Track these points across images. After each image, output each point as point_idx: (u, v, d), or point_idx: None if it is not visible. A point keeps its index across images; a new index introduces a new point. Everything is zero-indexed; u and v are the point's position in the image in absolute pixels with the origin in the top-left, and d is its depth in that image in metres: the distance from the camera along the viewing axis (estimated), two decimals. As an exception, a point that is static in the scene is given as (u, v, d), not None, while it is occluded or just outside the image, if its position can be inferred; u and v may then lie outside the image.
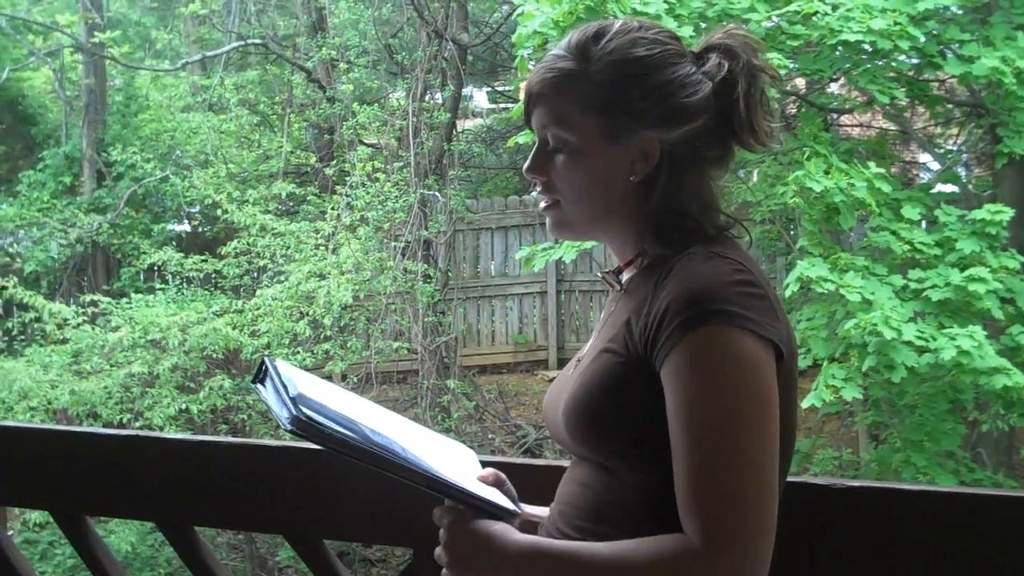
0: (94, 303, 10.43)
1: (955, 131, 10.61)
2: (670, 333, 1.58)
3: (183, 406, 9.57)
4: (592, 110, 1.73)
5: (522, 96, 1.84)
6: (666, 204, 1.74)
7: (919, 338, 6.77)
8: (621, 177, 1.75)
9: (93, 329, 10.07)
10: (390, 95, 13.37)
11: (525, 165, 1.82)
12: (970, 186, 9.04)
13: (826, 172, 7.06)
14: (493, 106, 17.03)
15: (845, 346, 7.11)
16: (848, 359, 7.20)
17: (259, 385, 1.71)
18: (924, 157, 12.21)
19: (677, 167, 1.74)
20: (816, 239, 7.46)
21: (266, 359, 1.72)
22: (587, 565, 1.60)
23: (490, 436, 12.04)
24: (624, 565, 1.57)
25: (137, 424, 9.41)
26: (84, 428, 2.87)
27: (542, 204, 1.84)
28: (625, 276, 1.83)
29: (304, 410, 1.61)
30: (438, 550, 1.75)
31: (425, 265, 11.44)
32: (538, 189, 1.83)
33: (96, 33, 13.83)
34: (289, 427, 1.60)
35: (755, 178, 8.64)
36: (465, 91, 13.81)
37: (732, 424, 1.54)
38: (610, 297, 1.90)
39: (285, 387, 1.64)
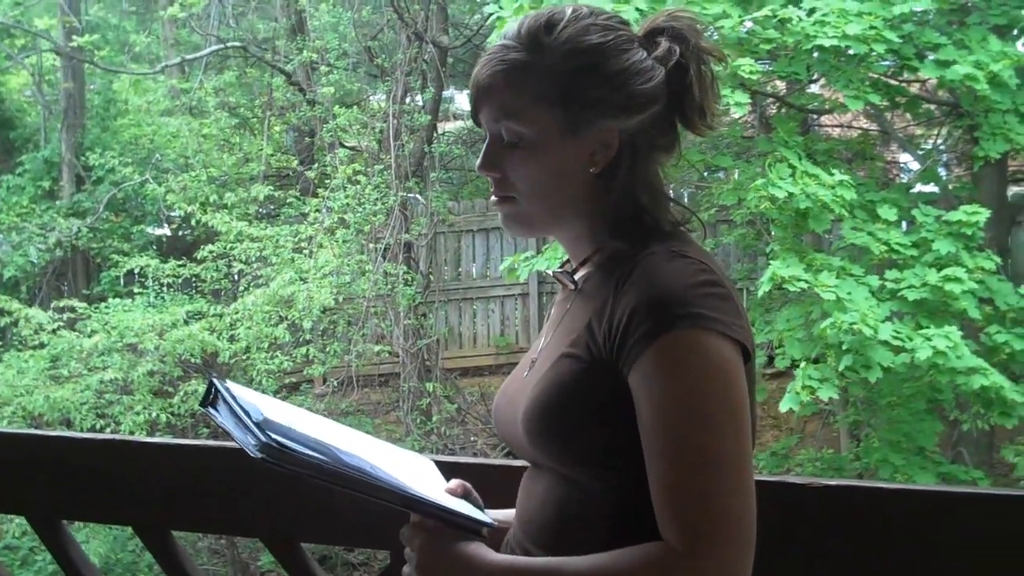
0: (70, 308, 10.40)
1: (935, 131, 10.66)
2: (638, 339, 1.55)
3: (154, 414, 9.55)
4: (548, 102, 1.68)
5: (469, 90, 1.78)
6: (624, 194, 1.71)
7: (895, 338, 6.80)
8: (580, 170, 1.70)
9: (71, 334, 10.04)
10: (370, 98, 13.36)
11: (477, 162, 1.76)
12: (950, 186, 9.08)
13: (792, 176, 7.07)
14: (474, 108, 16.99)
15: (821, 346, 7.13)
16: (825, 359, 7.23)
17: (210, 409, 1.64)
18: (905, 157, 12.25)
19: (635, 156, 1.71)
20: (788, 244, 7.47)
21: (215, 381, 1.65)
22: None
23: (472, 438, 12.03)
24: (608, 575, 1.55)
25: (108, 430, 9.38)
26: (60, 432, 2.86)
27: (493, 199, 1.79)
28: (579, 275, 1.79)
29: (273, 436, 1.55)
30: (407, 569, 1.72)
31: (406, 268, 11.43)
32: (492, 187, 1.77)
33: (75, 37, 13.79)
34: (258, 455, 1.54)
35: (736, 177, 8.65)
36: (446, 93, 13.80)
37: (706, 426, 1.52)
38: (561, 296, 1.87)
39: (247, 412, 1.58)
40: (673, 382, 1.53)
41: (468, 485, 1.87)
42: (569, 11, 1.72)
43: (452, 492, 1.82)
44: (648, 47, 1.72)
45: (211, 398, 1.65)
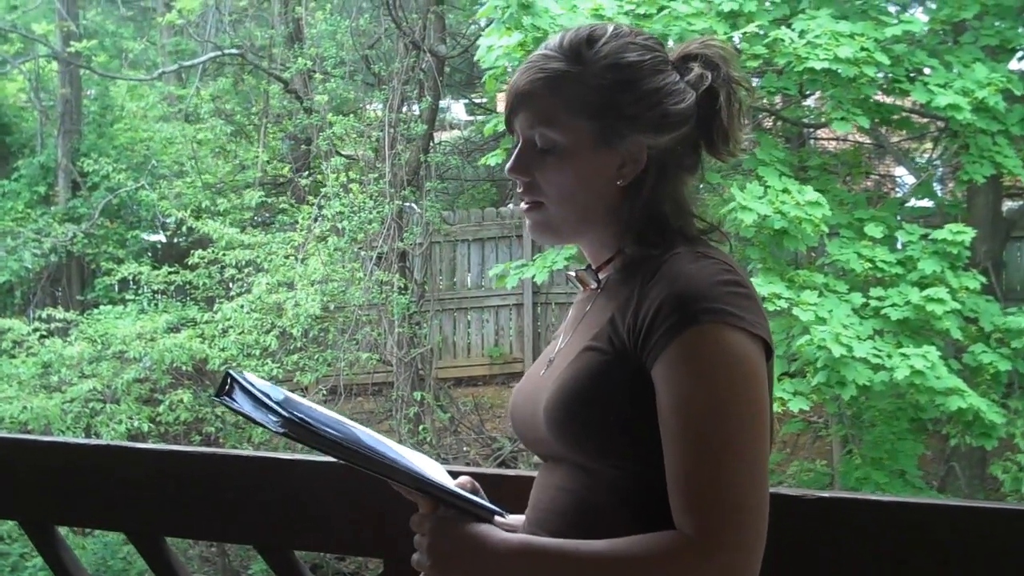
0: (52, 318, 10.41)
1: (930, 145, 10.67)
2: (664, 332, 1.59)
3: (137, 423, 9.54)
4: (585, 113, 1.73)
5: (506, 95, 1.82)
6: (648, 208, 1.75)
7: (875, 356, 6.80)
8: (608, 181, 1.75)
9: (58, 342, 10.04)
10: (367, 106, 13.37)
11: (508, 164, 1.80)
12: (945, 201, 9.08)
13: (764, 196, 7.05)
14: (471, 118, 17.02)
15: (802, 361, 7.15)
16: (805, 374, 7.25)
17: (226, 398, 1.68)
18: (900, 171, 12.27)
19: (662, 172, 1.75)
20: (768, 264, 7.47)
21: (232, 372, 1.69)
22: (581, 561, 1.60)
23: (465, 448, 12.03)
24: (619, 560, 1.57)
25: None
26: (54, 437, 2.85)
27: (524, 205, 1.82)
28: (602, 276, 1.83)
29: (295, 413, 1.61)
30: (416, 556, 1.72)
31: (400, 276, 11.43)
32: (520, 190, 1.81)
33: (72, 43, 13.80)
34: (281, 430, 1.59)
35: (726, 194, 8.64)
36: (442, 103, 13.82)
37: (726, 419, 1.55)
38: (582, 297, 1.90)
39: (267, 395, 1.63)
40: (696, 375, 1.57)
41: (476, 483, 1.90)
42: (611, 28, 1.78)
43: (462, 487, 1.84)
44: (681, 71, 1.77)
45: (226, 389, 1.68)
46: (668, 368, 1.58)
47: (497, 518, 1.75)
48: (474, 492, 1.86)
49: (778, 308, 6.99)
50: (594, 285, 1.84)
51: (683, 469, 1.55)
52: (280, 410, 1.61)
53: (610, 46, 1.75)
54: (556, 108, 1.74)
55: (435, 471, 1.87)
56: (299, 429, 1.60)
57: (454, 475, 1.94)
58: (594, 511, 1.68)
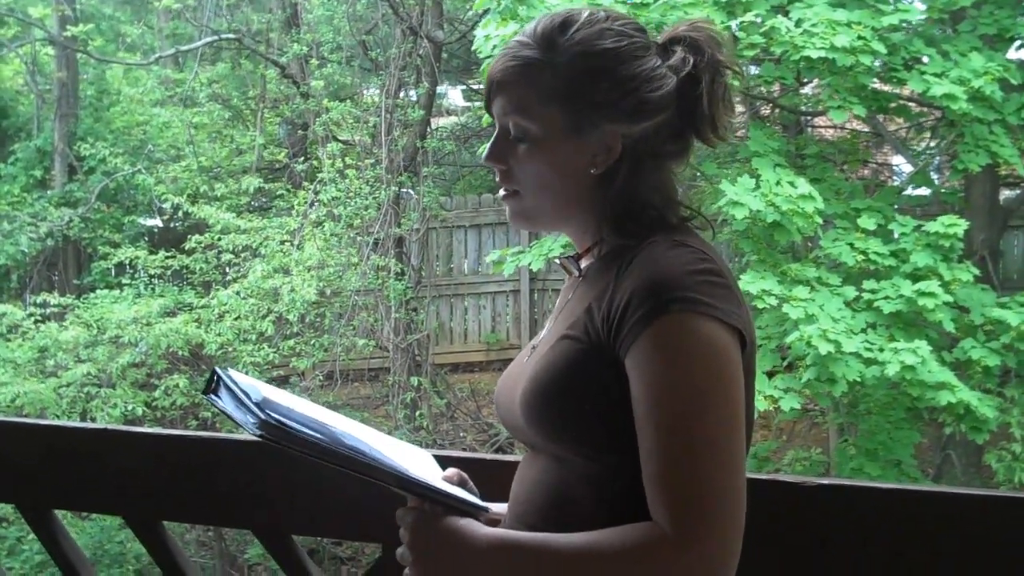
0: (46, 303, 10.42)
1: (927, 134, 10.65)
2: (635, 321, 1.57)
3: (131, 407, 9.55)
4: (556, 101, 1.71)
5: (485, 82, 1.81)
6: (626, 197, 1.73)
7: (867, 349, 6.78)
8: (582, 169, 1.73)
9: (54, 327, 10.05)
10: (364, 92, 13.35)
11: (484, 153, 1.79)
12: (943, 189, 9.06)
13: (756, 188, 7.03)
14: (468, 104, 16.99)
15: (794, 355, 7.13)
16: (796, 369, 7.23)
17: (212, 396, 1.66)
18: (898, 159, 12.25)
19: (638, 161, 1.73)
20: (762, 255, 7.45)
21: (217, 369, 1.68)
22: (558, 555, 1.58)
23: (462, 434, 12.04)
24: (595, 554, 1.55)
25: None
26: (52, 421, 2.83)
27: (501, 193, 1.81)
28: (584, 263, 1.81)
29: (272, 413, 1.58)
30: (400, 550, 1.72)
31: (397, 262, 11.44)
32: (497, 178, 1.80)
33: (68, 26, 13.77)
34: (257, 432, 1.57)
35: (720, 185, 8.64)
36: (440, 88, 13.80)
37: (699, 410, 1.53)
38: (567, 284, 1.89)
39: (247, 394, 1.61)
40: (667, 365, 1.54)
41: (464, 475, 1.89)
42: (585, 14, 1.74)
43: (448, 480, 1.84)
44: (664, 55, 1.74)
45: (213, 386, 1.67)
46: (639, 359, 1.56)
47: (480, 513, 1.74)
48: (462, 484, 1.86)
49: (769, 305, 6.97)
50: (576, 273, 1.83)
51: (656, 462, 1.53)
52: (257, 411, 1.58)
53: (583, 33, 1.71)
54: (528, 96, 1.72)
55: (422, 465, 1.86)
56: (276, 431, 1.57)
57: (443, 464, 1.94)
58: (570, 504, 1.67)
